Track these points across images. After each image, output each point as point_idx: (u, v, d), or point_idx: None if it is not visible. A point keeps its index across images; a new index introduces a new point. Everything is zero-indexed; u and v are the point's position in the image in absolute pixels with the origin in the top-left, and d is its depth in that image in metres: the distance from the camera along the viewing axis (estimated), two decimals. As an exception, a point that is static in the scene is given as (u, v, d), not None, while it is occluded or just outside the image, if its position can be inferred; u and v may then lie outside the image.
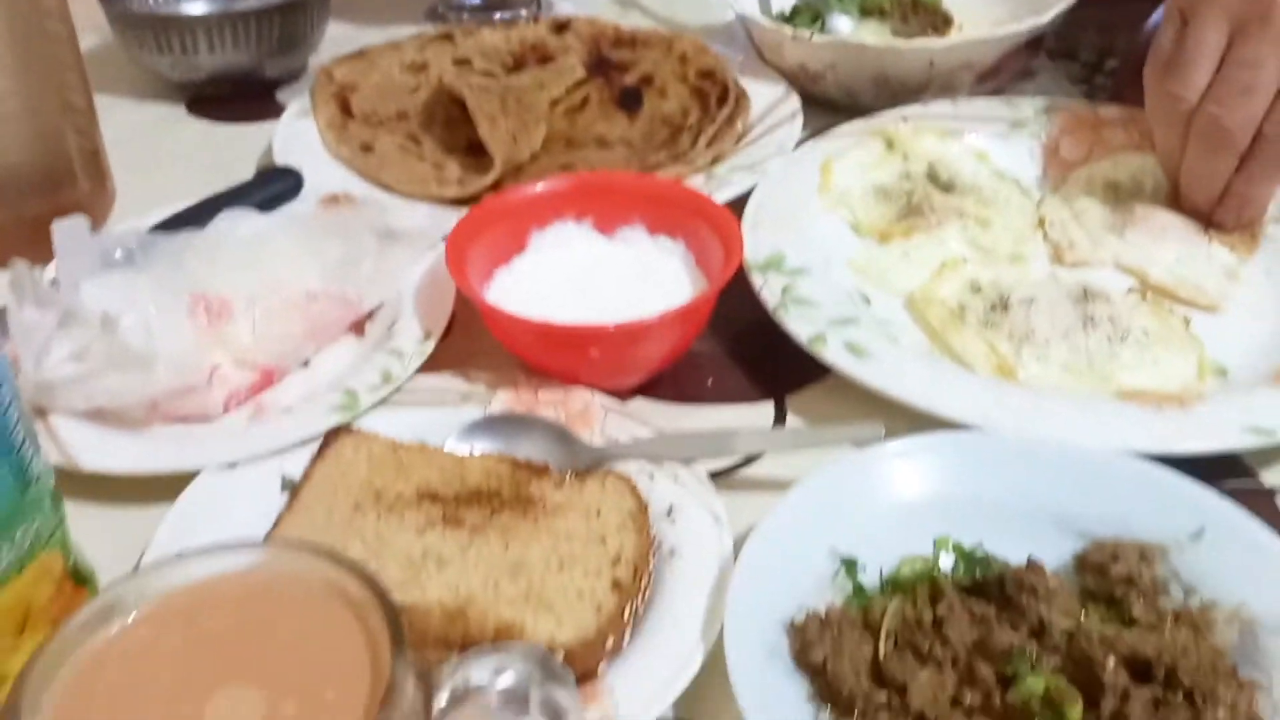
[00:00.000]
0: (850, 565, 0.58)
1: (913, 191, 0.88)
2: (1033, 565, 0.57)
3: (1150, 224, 0.83)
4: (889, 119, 0.94)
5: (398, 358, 0.73)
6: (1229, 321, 0.77)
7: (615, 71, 1.05)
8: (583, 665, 0.54)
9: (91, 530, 0.59)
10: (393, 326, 0.76)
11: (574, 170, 0.92)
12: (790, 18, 1.10)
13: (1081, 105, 0.96)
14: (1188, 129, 0.79)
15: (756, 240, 0.80)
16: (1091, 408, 0.68)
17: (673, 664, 0.54)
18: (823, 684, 0.54)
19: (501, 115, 0.93)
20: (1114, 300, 0.77)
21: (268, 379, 0.73)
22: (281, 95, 1.11)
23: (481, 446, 0.67)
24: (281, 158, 0.94)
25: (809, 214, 0.85)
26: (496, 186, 0.89)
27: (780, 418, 0.74)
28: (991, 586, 0.57)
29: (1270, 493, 0.66)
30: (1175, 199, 0.84)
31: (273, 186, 0.89)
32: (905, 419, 0.67)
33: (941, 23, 1.10)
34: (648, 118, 1.00)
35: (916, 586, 0.58)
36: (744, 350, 0.78)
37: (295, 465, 0.66)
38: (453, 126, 0.97)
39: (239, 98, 1.09)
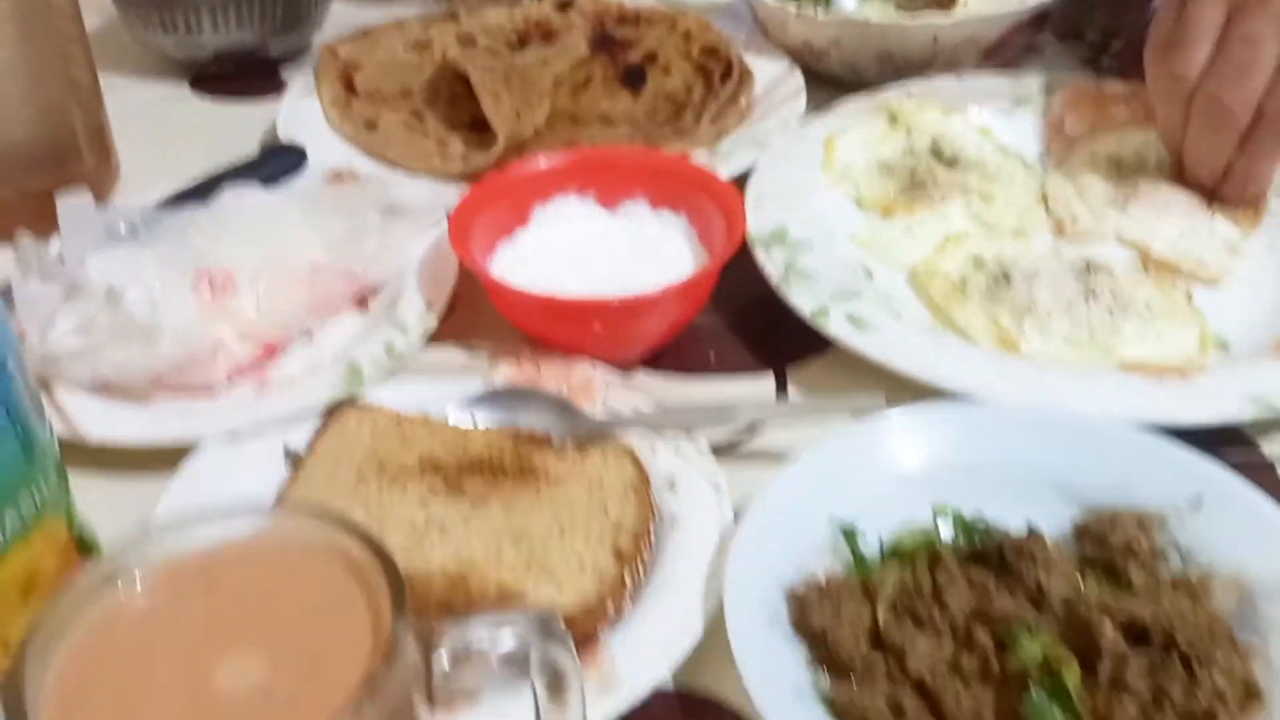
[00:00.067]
0: (850, 534, 0.59)
1: (916, 167, 0.87)
2: (1032, 533, 0.57)
3: (1153, 199, 0.83)
4: (893, 95, 0.94)
5: (401, 331, 0.73)
6: (1231, 295, 0.77)
7: (619, 49, 1.05)
8: (583, 631, 0.54)
9: (95, 501, 0.59)
10: (396, 300, 0.76)
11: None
12: (794, -6, 1.10)
13: (1085, 81, 0.95)
14: (1189, 107, 0.79)
15: (760, 215, 0.80)
16: (1093, 379, 0.68)
17: (673, 630, 0.55)
18: (822, 650, 0.54)
19: (505, 92, 0.93)
20: (1116, 274, 0.77)
21: (271, 352, 0.73)
22: (285, 73, 1.11)
23: (484, 418, 0.67)
24: (285, 135, 0.94)
25: (812, 189, 0.85)
26: (500, 163, 0.90)
27: (782, 390, 0.74)
28: (990, 554, 0.57)
29: (1271, 464, 0.66)
30: (1178, 175, 0.84)
31: (276, 163, 0.89)
32: (907, 392, 0.67)
33: (946, -1, 1.09)
34: (651, 95, 1.00)
35: (916, 554, 0.58)
36: (746, 324, 0.78)
37: (298, 437, 0.66)
38: (457, 103, 0.97)
39: (243, 76, 1.09)
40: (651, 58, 1.04)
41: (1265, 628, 0.54)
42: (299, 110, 0.97)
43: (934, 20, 0.98)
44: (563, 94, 0.99)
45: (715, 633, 0.54)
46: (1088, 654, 0.52)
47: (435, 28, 1.08)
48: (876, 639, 0.55)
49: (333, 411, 0.67)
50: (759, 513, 0.58)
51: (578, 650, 0.43)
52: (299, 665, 0.37)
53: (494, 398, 0.69)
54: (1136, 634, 0.53)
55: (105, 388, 0.69)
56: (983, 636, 0.54)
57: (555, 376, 0.70)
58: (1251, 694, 0.52)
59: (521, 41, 1.08)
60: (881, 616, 0.55)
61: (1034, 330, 0.73)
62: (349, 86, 1.00)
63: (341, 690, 0.35)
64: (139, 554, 0.39)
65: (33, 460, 0.52)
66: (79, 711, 0.36)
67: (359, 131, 0.95)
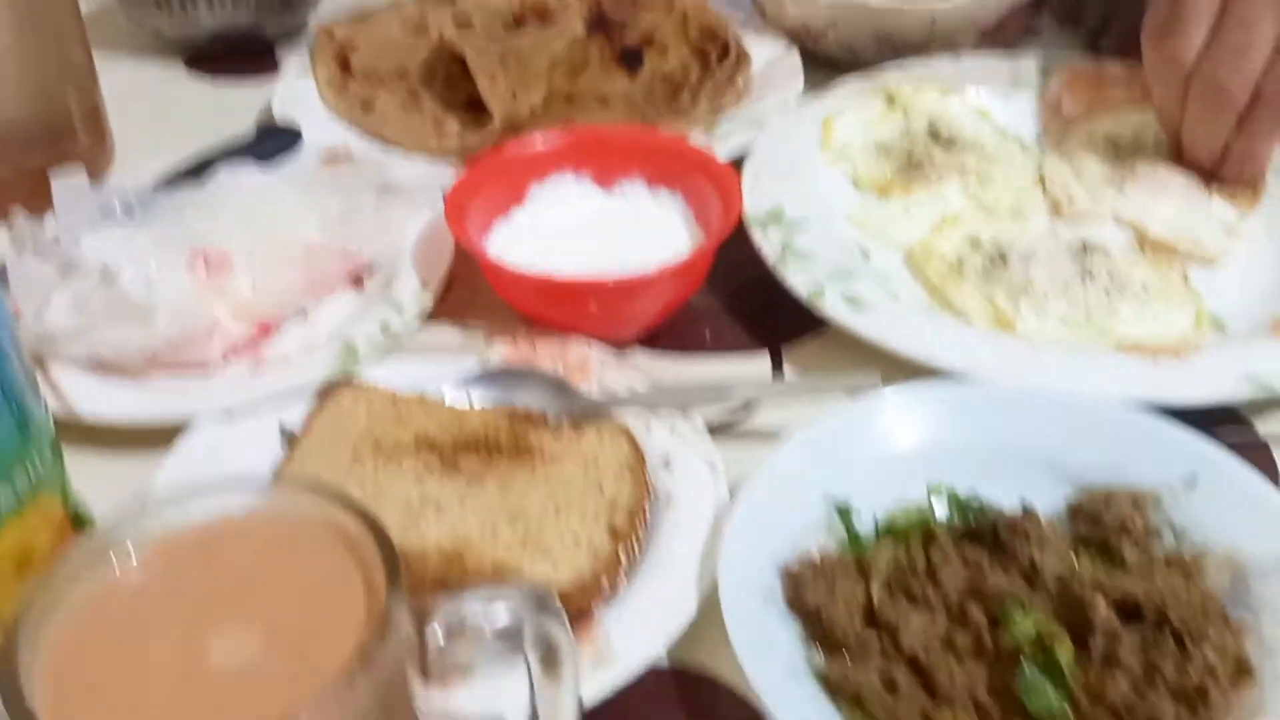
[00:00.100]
0: (844, 511, 0.59)
1: (913, 148, 0.87)
2: (1026, 511, 0.57)
3: (1151, 180, 0.83)
4: (890, 76, 0.94)
5: (397, 310, 0.73)
6: (1228, 275, 0.77)
7: (616, 30, 1.05)
8: (578, 608, 0.54)
9: (91, 479, 0.59)
10: (392, 280, 0.76)
11: (574, 127, 0.92)
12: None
13: (1083, 62, 0.95)
14: (1186, 90, 0.79)
15: (756, 195, 0.80)
16: (1088, 358, 0.68)
17: (668, 607, 0.55)
18: (816, 627, 0.54)
19: (501, 72, 0.93)
20: (1113, 254, 0.77)
21: (266, 331, 0.73)
22: (281, 54, 1.11)
23: (480, 397, 0.67)
24: (281, 115, 0.94)
25: (809, 169, 0.85)
26: (496, 144, 0.89)
27: (777, 370, 0.74)
28: (984, 532, 0.57)
29: (1265, 443, 0.66)
30: (1177, 156, 0.84)
31: (272, 144, 0.89)
32: (902, 371, 0.67)
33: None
34: (648, 76, 1.00)
35: (910, 532, 0.58)
36: (742, 304, 0.78)
37: (294, 415, 0.66)
38: (453, 84, 0.97)
39: (238, 56, 1.09)
40: (648, 39, 1.04)
41: (1258, 605, 0.55)
42: (294, 91, 0.97)
43: (931, 3, 0.98)
44: (559, 75, 0.99)
45: (710, 610, 0.54)
46: (1081, 631, 0.52)
47: (431, 9, 1.08)
48: (870, 616, 0.55)
49: (328, 390, 0.67)
50: (754, 490, 0.58)
51: (573, 627, 0.43)
52: (293, 638, 0.37)
53: (490, 377, 0.69)
54: (1129, 611, 0.53)
55: (100, 366, 0.69)
56: (976, 614, 0.54)
57: (551, 356, 0.70)
58: (1243, 671, 0.52)
59: (518, 22, 1.07)
60: (875, 594, 0.55)
61: (1030, 310, 0.73)
62: (345, 67, 1.00)
63: (335, 663, 0.36)
64: (133, 528, 0.39)
65: (27, 436, 0.52)
66: (73, 686, 0.36)
67: (355, 112, 0.94)
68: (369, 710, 0.37)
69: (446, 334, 0.73)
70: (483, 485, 0.60)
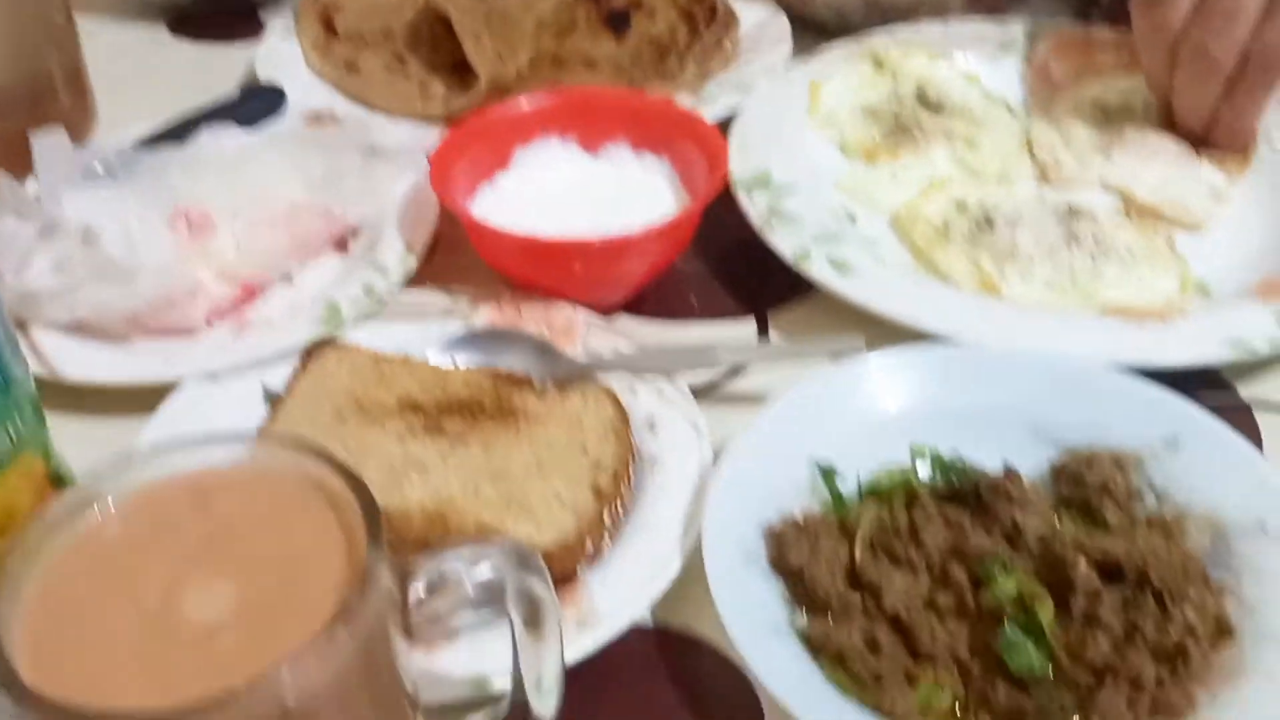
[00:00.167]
0: (828, 473, 0.59)
1: (901, 112, 0.87)
2: (1008, 472, 0.58)
3: (1139, 145, 0.82)
4: (878, 40, 0.94)
5: (381, 272, 0.73)
6: (1213, 240, 0.77)
7: (603, -8, 1.04)
8: (562, 568, 0.54)
9: (73, 441, 0.59)
10: (376, 242, 0.76)
11: (560, 90, 0.91)
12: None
13: (1072, 27, 0.95)
14: (1174, 56, 0.79)
15: (743, 158, 0.80)
16: (1073, 321, 0.68)
17: (651, 568, 0.55)
18: (799, 587, 0.55)
19: (487, 34, 0.92)
20: (1099, 219, 0.77)
21: (250, 293, 0.73)
22: (265, 16, 1.10)
23: (464, 359, 0.67)
24: (265, 77, 0.93)
25: (796, 133, 0.85)
26: (482, 106, 0.89)
27: (763, 334, 0.74)
28: (967, 493, 0.58)
29: (1247, 406, 0.67)
30: (1167, 121, 0.84)
31: (255, 104, 0.88)
32: (888, 336, 0.67)
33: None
34: (636, 39, 0.99)
35: (893, 494, 0.58)
36: (728, 268, 0.78)
37: (277, 377, 0.66)
38: (438, 46, 0.96)
39: (222, 18, 1.08)
40: (636, 2, 1.03)
41: (1238, 566, 0.55)
42: (278, 52, 0.96)
43: (921, -34, 0.97)
44: (546, 37, 0.98)
45: (694, 571, 0.54)
46: (1062, 591, 0.53)
47: (417, -29, 1.07)
48: (853, 576, 0.55)
49: (311, 352, 0.67)
50: (738, 452, 0.59)
51: (557, 589, 0.44)
52: (274, 592, 0.37)
53: (474, 339, 0.68)
54: (1110, 571, 0.54)
55: (83, 328, 0.69)
56: (958, 574, 0.54)
57: (536, 319, 0.70)
58: (1223, 630, 0.52)
59: (505, -15, 1.06)
60: (858, 554, 0.56)
61: (1016, 274, 0.73)
62: (329, 28, 0.99)
63: (316, 617, 0.36)
64: (114, 481, 0.39)
65: (8, 396, 0.51)
66: (53, 637, 0.36)
67: (339, 74, 0.94)
68: (350, 666, 0.37)
69: (431, 297, 0.72)
70: (466, 446, 0.60)
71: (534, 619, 0.42)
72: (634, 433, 0.62)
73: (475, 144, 0.77)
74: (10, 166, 0.74)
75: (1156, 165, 0.80)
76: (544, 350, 0.67)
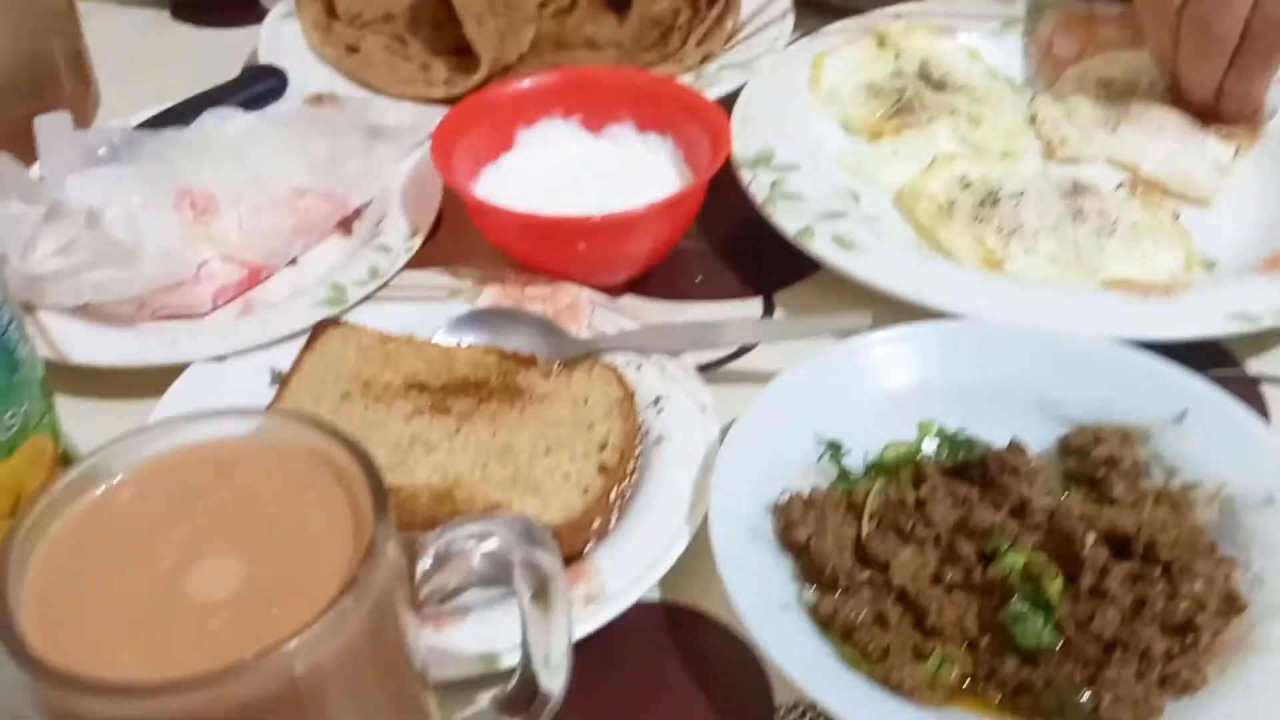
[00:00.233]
0: (835, 448, 0.59)
1: (904, 89, 0.87)
2: (1015, 446, 0.58)
3: (1144, 120, 0.82)
4: (881, 17, 0.93)
5: (385, 253, 0.73)
6: (1218, 215, 0.77)
7: (605, -27, 1.04)
8: (569, 546, 0.54)
9: (81, 425, 0.59)
10: (380, 223, 0.76)
11: (562, 71, 0.91)
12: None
13: (1075, 3, 0.94)
14: (1177, 31, 0.79)
15: (746, 137, 0.79)
16: (1078, 296, 0.68)
17: (658, 545, 0.55)
18: (806, 563, 0.55)
19: (489, 15, 0.92)
20: (1103, 194, 0.76)
21: (255, 276, 0.73)
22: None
23: (469, 339, 0.67)
24: (266, 59, 0.93)
25: (799, 111, 0.84)
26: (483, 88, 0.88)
27: (768, 313, 0.74)
28: (974, 468, 0.58)
29: (1254, 380, 0.67)
30: (1174, 96, 0.83)
31: (257, 86, 0.88)
32: (892, 314, 0.66)
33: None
34: (637, 19, 0.99)
35: (900, 469, 0.58)
36: (733, 248, 0.78)
37: (284, 358, 0.66)
38: (440, 28, 0.96)
39: (223, 2, 1.08)
40: (637, -19, 1.02)
41: (1246, 539, 0.55)
42: (280, 34, 0.96)
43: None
44: (547, 18, 0.98)
45: (701, 548, 0.54)
46: (1069, 564, 0.53)
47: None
48: (860, 551, 0.55)
49: (317, 331, 0.67)
50: (744, 429, 0.59)
51: (564, 566, 0.44)
52: (280, 566, 0.37)
53: (479, 318, 0.68)
54: (1118, 545, 0.53)
55: (89, 311, 0.69)
56: (966, 548, 0.54)
57: (540, 298, 0.70)
58: (1232, 604, 0.52)
59: (506, -34, 1.06)
60: (865, 529, 0.56)
61: (1019, 250, 0.72)
62: (330, 10, 0.98)
63: (324, 591, 0.36)
64: (123, 455, 0.39)
65: (16, 378, 0.51)
66: (60, 608, 0.36)
67: (341, 55, 0.93)
68: (358, 639, 0.37)
69: (436, 278, 0.72)
70: (472, 424, 0.60)
71: (542, 593, 0.42)
72: (640, 411, 0.62)
73: (478, 124, 0.77)
74: (14, 152, 0.74)
75: (1162, 140, 0.80)
76: (549, 329, 0.67)
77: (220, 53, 1.01)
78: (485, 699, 0.47)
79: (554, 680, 0.45)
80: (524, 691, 0.45)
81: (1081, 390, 0.61)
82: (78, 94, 0.91)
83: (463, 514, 0.55)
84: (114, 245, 0.66)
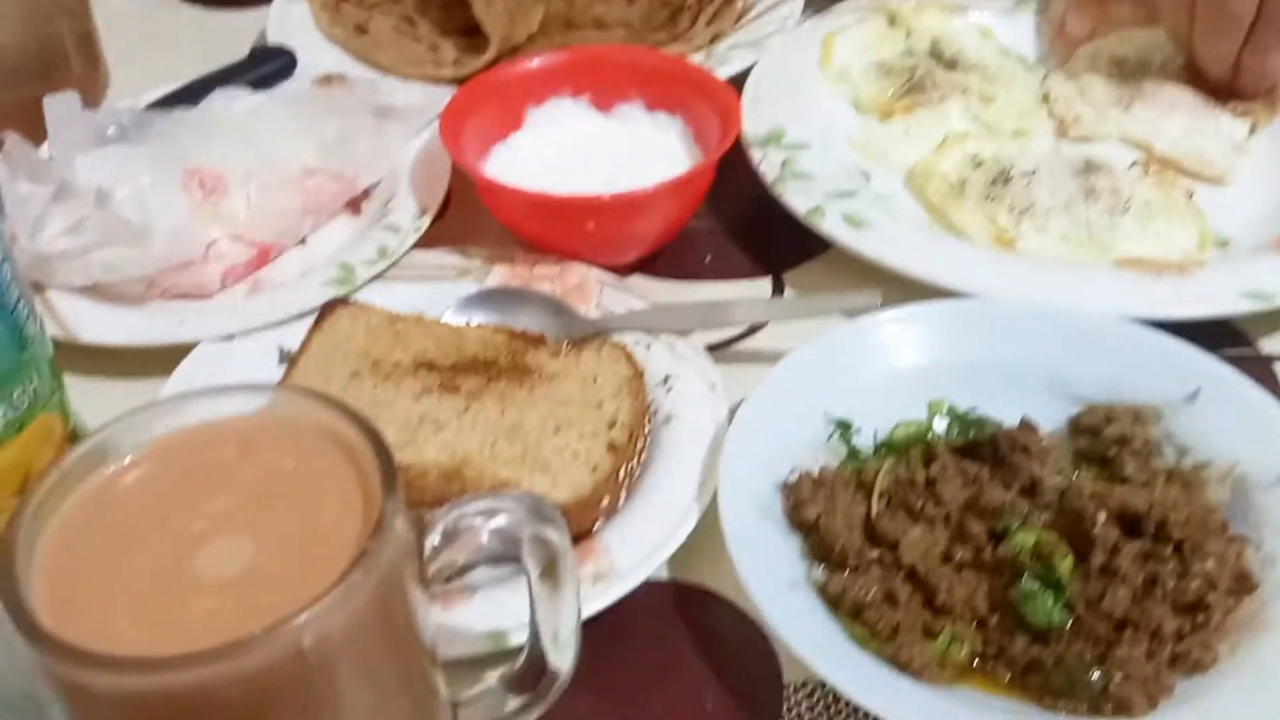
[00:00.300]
0: (844, 427, 0.59)
1: (915, 68, 0.86)
2: (1026, 425, 0.57)
3: (1159, 98, 0.82)
4: (892, -3, 0.92)
5: (394, 233, 0.73)
6: (1232, 194, 0.76)
7: (613, -48, 1.03)
8: (578, 524, 0.54)
9: (90, 404, 0.59)
10: (389, 203, 0.75)
11: (572, 52, 0.90)
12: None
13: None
14: (1193, 6, 0.78)
15: (756, 116, 0.79)
16: (1090, 275, 0.68)
17: (668, 523, 0.55)
18: (815, 541, 0.55)
19: (498, -5, 0.91)
20: (1116, 173, 0.76)
21: (264, 256, 0.73)
22: (275, -20, 1.09)
23: (478, 319, 0.67)
24: (275, 40, 0.93)
25: (810, 90, 0.84)
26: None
27: (778, 292, 0.74)
28: (984, 447, 0.57)
29: (1268, 360, 0.66)
30: (1185, 73, 0.83)
31: (266, 66, 0.88)
32: (903, 293, 0.66)
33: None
34: (646, -1, 0.98)
35: (910, 448, 0.58)
36: (742, 227, 0.78)
37: (292, 338, 0.66)
38: (449, 8, 0.95)
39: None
40: (647, -39, 1.02)
41: (1258, 519, 0.55)
42: (288, 15, 0.96)
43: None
44: (556, -2, 0.97)
45: (710, 527, 0.54)
46: (1080, 543, 0.53)
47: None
48: (870, 530, 0.55)
49: (326, 310, 0.67)
50: (754, 408, 0.58)
51: (573, 545, 0.43)
52: (289, 542, 0.37)
53: (488, 298, 0.68)
54: (1129, 524, 0.53)
55: (98, 290, 0.69)
56: (975, 527, 0.54)
57: (549, 278, 0.70)
58: (1243, 583, 0.52)
59: (515, -55, 1.05)
60: (875, 508, 0.56)
61: (1031, 228, 0.72)
62: (339, -9, 0.98)
63: (333, 566, 0.36)
64: (132, 431, 0.39)
65: (26, 355, 0.52)
66: (70, 584, 0.36)
67: (349, 36, 0.93)
68: (367, 614, 0.37)
69: (445, 258, 0.72)
70: (481, 403, 0.60)
71: (550, 570, 0.42)
72: (649, 390, 0.62)
73: (487, 104, 0.77)
74: (24, 132, 0.74)
75: (1176, 118, 0.80)
76: (558, 309, 0.67)
77: (229, 33, 1.00)
78: (494, 677, 0.47)
79: (562, 658, 0.45)
80: (532, 669, 0.45)
81: (1093, 369, 0.61)
82: (87, 74, 0.91)
83: (471, 493, 0.55)
84: (123, 225, 0.66)
